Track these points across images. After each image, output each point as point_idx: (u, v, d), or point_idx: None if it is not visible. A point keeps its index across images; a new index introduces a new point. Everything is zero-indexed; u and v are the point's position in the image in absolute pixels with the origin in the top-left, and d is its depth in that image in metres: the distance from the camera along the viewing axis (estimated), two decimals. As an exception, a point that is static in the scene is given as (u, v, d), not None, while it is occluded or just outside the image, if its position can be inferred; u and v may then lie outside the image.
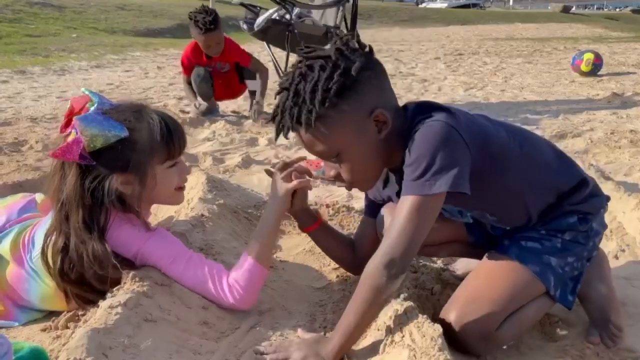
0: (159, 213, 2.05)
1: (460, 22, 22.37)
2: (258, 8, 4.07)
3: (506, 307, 1.23)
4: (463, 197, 1.15)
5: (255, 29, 3.91)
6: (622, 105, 4.55)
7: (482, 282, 1.27)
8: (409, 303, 1.28)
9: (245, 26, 4.04)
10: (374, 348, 1.24)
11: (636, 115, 4.10)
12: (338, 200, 2.25)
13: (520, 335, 1.32)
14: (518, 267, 1.27)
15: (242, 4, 3.91)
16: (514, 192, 1.28)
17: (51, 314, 1.44)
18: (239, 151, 3.06)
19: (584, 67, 6.03)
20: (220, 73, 3.89)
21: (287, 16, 3.82)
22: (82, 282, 1.36)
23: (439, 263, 1.76)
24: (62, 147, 1.32)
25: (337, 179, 1.28)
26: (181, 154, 1.49)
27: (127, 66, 7.30)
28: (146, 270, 1.39)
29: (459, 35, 15.46)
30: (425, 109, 1.22)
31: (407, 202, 1.13)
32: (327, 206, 2.16)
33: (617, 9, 47.71)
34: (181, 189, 1.53)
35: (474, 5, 40.43)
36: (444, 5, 39.13)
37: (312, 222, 1.57)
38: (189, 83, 3.90)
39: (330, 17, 3.99)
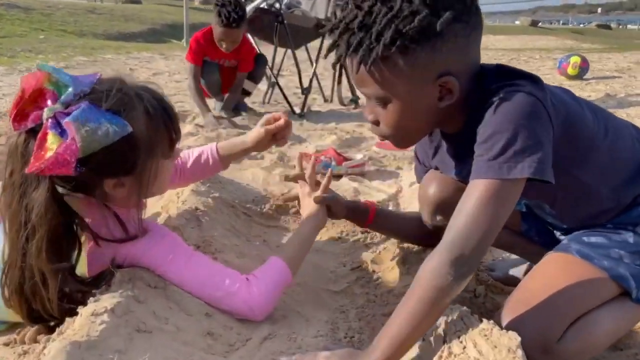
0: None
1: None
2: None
3: (568, 311, 1.00)
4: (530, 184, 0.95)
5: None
6: (618, 105, 4.46)
7: (539, 284, 1.05)
8: (461, 307, 1.05)
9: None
10: (424, 362, 1.00)
11: (636, 114, 4.00)
12: (345, 195, 2.01)
13: (596, 351, 1.07)
14: (581, 264, 1.05)
15: (225, -5, 3.65)
16: (587, 187, 1.08)
17: (16, 324, 1.16)
18: (227, 146, 2.80)
19: (570, 70, 5.98)
20: (223, 67, 3.62)
21: (277, 5, 3.60)
22: (42, 318, 1.07)
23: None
24: (51, 160, 0.95)
25: (373, 123, 1.08)
26: (179, 139, 1.20)
27: (98, 68, 6.94)
28: (136, 270, 1.13)
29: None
30: (506, 74, 1.01)
31: (479, 187, 0.92)
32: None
33: (581, 25, 49.07)
34: (169, 177, 1.27)
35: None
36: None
37: (367, 215, 1.47)
38: (197, 80, 3.47)
39: (320, 9, 3.78)
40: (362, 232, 1.73)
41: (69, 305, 1.03)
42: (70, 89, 1.01)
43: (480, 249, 0.91)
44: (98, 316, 0.95)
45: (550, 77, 6.58)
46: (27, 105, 1.01)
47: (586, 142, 1.05)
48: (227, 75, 3.61)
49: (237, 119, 3.52)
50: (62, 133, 0.97)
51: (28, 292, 1.03)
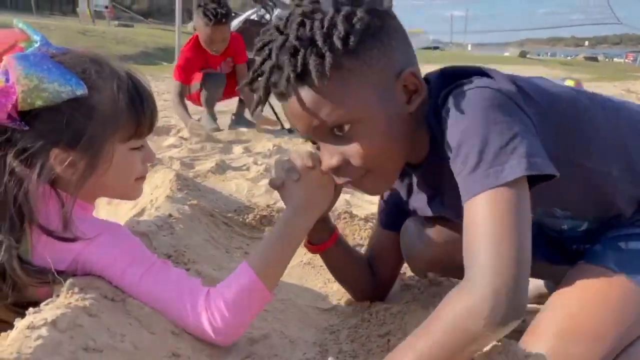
0: (113, 216, 1.61)
1: (423, 62, 22.74)
2: (233, 13, 3.75)
3: (615, 340, 0.85)
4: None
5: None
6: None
7: (575, 305, 0.88)
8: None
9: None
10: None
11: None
12: (336, 207, 1.85)
13: None
14: (622, 281, 0.88)
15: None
16: (599, 173, 0.92)
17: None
18: (211, 158, 2.65)
19: (564, 94, 5.94)
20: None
21: (267, 17, 3.50)
22: None
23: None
24: None
25: (337, 173, 0.89)
26: (151, 132, 1.07)
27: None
28: (90, 279, 0.96)
29: (424, 71, 15.57)
30: (452, 78, 0.88)
31: (480, 205, 0.75)
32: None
33: (569, 57, 50.00)
34: (141, 179, 1.11)
35: (435, 48, 41.93)
36: (407, 46, 40.47)
37: (327, 237, 1.17)
38: (181, 96, 3.33)
39: (312, 22, 3.68)
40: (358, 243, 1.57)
41: (12, 292, 0.91)
42: (36, 44, 0.95)
43: (524, 270, 0.72)
44: (35, 330, 0.78)
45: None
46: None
47: (580, 121, 0.91)
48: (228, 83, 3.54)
49: (223, 134, 3.37)
50: (9, 80, 0.89)
51: None
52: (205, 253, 1.34)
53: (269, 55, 0.84)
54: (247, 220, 1.68)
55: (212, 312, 0.95)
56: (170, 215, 1.41)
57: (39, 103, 0.89)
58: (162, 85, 7.66)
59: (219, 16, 3.10)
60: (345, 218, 1.71)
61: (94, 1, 23.76)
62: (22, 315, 0.84)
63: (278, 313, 1.22)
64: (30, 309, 0.84)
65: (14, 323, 0.82)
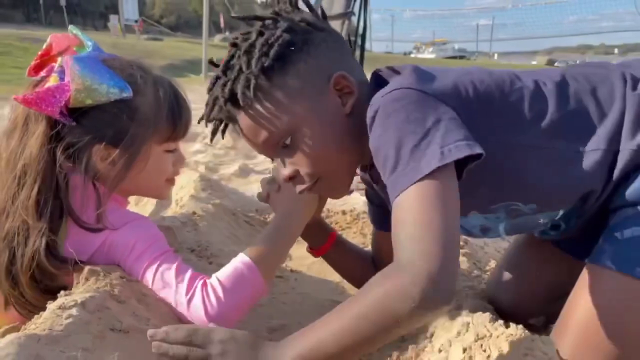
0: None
1: (450, 71, 22.61)
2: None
3: (631, 351, 0.83)
4: (473, 186, 0.78)
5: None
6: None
7: (585, 316, 0.86)
8: (485, 314, 0.92)
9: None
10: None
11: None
12: (355, 207, 1.89)
13: None
14: (621, 281, 0.83)
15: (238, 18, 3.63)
16: (539, 151, 0.87)
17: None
18: (235, 162, 2.72)
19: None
20: None
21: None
22: (17, 284, 0.97)
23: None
24: (40, 93, 0.94)
25: (294, 182, 0.93)
26: (185, 136, 1.14)
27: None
28: (117, 268, 1.01)
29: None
30: (381, 82, 0.91)
31: (404, 200, 0.75)
32: (344, 213, 1.80)
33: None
34: (171, 181, 1.17)
35: (461, 57, 41.77)
36: (433, 56, 40.38)
37: (325, 240, 1.21)
38: None
39: (338, 5, 3.71)
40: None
41: (44, 277, 0.97)
42: (88, 49, 1.04)
43: (452, 253, 0.71)
44: (66, 310, 0.83)
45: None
46: (50, 60, 1.04)
47: (510, 95, 0.88)
48: None
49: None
50: (63, 79, 0.98)
51: (8, 241, 0.97)
52: (227, 248, 1.39)
53: (210, 90, 0.92)
54: (267, 219, 1.73)
55: (207, 293, 0.96)
56: (194, 213, 1.47)
57: (88, 102, 0.97)
58: (189, 95, 7.86)
59: None
60: (363, 218, 1.74)
61: (125, 16, 24.42)
62: (54, 299, 0.90)
63: (297, 305, 1.26)
64: (62, 292, 0.90)
65: (46, 306, 0.88)
